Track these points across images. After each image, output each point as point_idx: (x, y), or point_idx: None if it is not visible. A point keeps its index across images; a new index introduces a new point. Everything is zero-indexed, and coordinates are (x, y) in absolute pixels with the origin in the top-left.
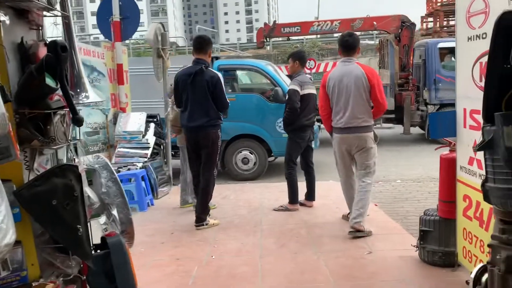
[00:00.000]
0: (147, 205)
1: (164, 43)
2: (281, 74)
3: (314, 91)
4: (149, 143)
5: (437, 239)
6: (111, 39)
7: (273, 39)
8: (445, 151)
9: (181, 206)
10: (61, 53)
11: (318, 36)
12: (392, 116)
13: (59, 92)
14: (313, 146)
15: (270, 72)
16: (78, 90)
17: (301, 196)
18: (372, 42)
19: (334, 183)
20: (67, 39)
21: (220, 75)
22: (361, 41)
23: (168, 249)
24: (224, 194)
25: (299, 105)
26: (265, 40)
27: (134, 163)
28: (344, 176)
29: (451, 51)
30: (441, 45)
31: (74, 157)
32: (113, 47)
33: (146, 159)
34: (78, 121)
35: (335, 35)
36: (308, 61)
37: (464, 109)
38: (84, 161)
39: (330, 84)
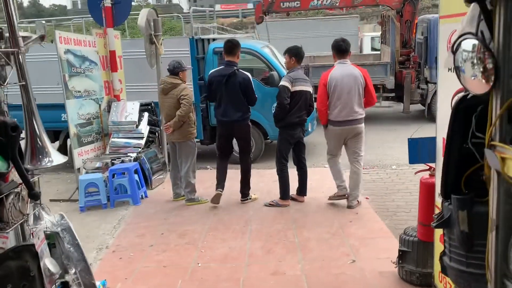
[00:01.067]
0: (141, 198)
1: (156, 29)
2: (279, 56)
3: (307, 88)
4: (142, 133)
5: (415, 260)
6: (102, 25)
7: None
8: (425, 174)
9: (174, 199)
10: (11, 133)
11: None
12: (392, 94)
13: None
14: (309, 129)
15: (266, 55)
16: (40, 157)
17: (293, 190)
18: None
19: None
20: (24, 103)
21: (249, 76)
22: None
23: (156, 253)
24: None
25: (288, 102)
26: (264, 15)
27: (128, 154)
28: (335, 157)
29: None
30: None
31: (33, 229)
32: (105, 33)
33: (140, 149)
34: (34, 196)
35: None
36: None
37: (443, 138)
38: (47, 223)
39: (331, 83)
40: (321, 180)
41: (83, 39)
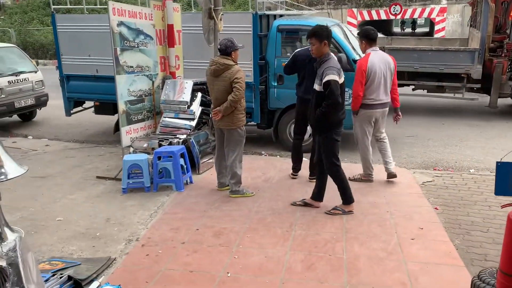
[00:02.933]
0: (186, 183)
1: (217, 3)
2: (350, 36)
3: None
4: (194, 114)
5: None
6: None
7: None
8: None
9: (219, 189)
10: None
11: None
12: (478, 85)
13: None
14: None
15: (335, 35)
16: None
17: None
18: None
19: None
20: None
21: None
22: None
23: (186, 253)
24: (268, 174)
25: (340, 99)
26: None
27: (177, 136)
28: (368, 141)
29: None
30: None
31: None
32: (163, 6)
33: (190, 131)
34: None
35: None
36: (394, 6)
37: None
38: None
39: (371, 68)
40: (382, 181)
41: (138, 11)
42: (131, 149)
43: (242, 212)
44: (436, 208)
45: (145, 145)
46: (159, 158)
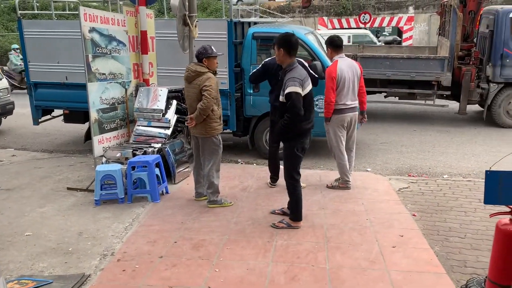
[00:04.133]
0: (162, 194)
1: (191, 10)
2: (324, 44)
3: (311, 86)
4: (169, 122)
5: None
6: (135, 3)
7: None
8: (505, 219)
9: (196, 199)
10: None
11: None
12: (448, 92)
13: None
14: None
15: (309, 43)
16: None
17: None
18: None
19: (367, 174)
20: None
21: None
22: None
23: (165, 267)
24: (246, 183)
25: (303, 111)
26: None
27: (152, 144)
28: (343, 147)
29: None
30: None
31: None
32: (137, 12)
33: (165, 140)
34: None
35: None
36: (363, 14)
37: None
38: None
39: (341, 75)
40: (360, 187)
41: (111, 17)
42: (104, 159)
43: (221, 223)
44: (414, 215)
45: (118, 154)
46: (133, 168)
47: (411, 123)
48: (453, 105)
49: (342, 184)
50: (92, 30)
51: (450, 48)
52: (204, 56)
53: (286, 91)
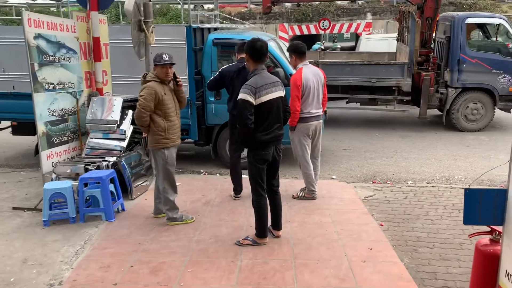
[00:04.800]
0: (118, 211)
1: (147, 15)
2: (285, 50)
3: (278, 94)
4: (124, 134)
5: None
6: (86, 7)
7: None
8: (485, 239)
9: (155, 216)
10: None
11: None
12: (408, 98)
13: None
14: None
15: (271, 50)
16: None
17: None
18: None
19: (332, 182)
20: None
21: None
22: None
23: None
24: (208, 196)
25: (251, 120)
26: (272, 5)
27: (106, 158)
28: (308, 156)
29: (480, 27)
30: (469, 20)
31: None
32: (88, 17)
33: (120, 153)
34: None
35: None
36: (323, 21)
37: None
38: None
39: (306, 83)
40: (326, 197)
41: (59, 22)
42: (54, 175)
43: (182, 243)
44: (381, 225)
45: (69, 170)
46: (85, 184)
47: (373, 128)
48: (414, 110)
49: (308, 194)
50: (38, 36)
51: (410, 54)
52: (154, 63)
53: (237, 99)
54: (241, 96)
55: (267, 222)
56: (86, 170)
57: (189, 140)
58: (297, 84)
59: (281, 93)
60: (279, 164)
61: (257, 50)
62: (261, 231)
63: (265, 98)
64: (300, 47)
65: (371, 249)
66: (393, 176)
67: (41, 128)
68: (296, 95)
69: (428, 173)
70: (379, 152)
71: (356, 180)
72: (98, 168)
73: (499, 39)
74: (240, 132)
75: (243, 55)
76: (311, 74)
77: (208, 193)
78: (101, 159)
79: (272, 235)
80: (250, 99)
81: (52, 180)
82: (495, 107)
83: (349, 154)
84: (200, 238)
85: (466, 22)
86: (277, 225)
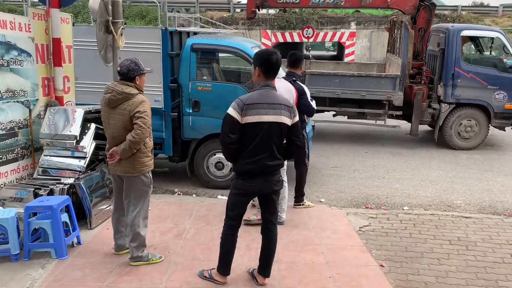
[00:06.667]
0: (73, 244)
1: (115, 15)
2: None
3: (274, 118)
4: (85, 151)
5: None
6: (45, 3)
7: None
8: None
9: (116, 253)
10: None
11: None
12: (399, 112)
13: None
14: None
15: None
16: None
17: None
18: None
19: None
20: None
21: (303, 88)
22: None
23: None
24: (181, 225)
25: (232, 140)
26: (257, 10)
27: (61, 180)
28: None
29: (473, 41)
30: (465, 32)
31: None
32: (47, 15)
33: (79, 173)
34: None
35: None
36: (306, 29)
37: None
38: None
39: None
40: (318, 227)
41: (10, 19)
42: None
43: None
44: (382, 265)
45: (17, 194)
46: (34, 213)
47: (362, 144)
48: (404, 125)
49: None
50: None
51: (402, 66)
52: (137, 73)
53: None
54: (228, 109)
55: (230, 260)
56: (36, 195)
57: (163, 155)
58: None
59: (281, 118)
60: (276, 198)
61: (272, 65)
62: (220, 267)
63: (253, 119)
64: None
65: None
66: (387, 200)
67: None
68: None
69: (424, 197)
70: (369, 171)
71: (347, 204)
72: (51, 192)
73: (493, 53)
74: (223, 152)
75: (297, 71)
76: (283, 89)
77: (181, 221)
78: (55, 181)
79: (255, 281)
80: (235, 115)
81: None
82: (490, 125)
83: (337, 173)
84: (168, 286)
85: (462, 34)
86: (265, 270)
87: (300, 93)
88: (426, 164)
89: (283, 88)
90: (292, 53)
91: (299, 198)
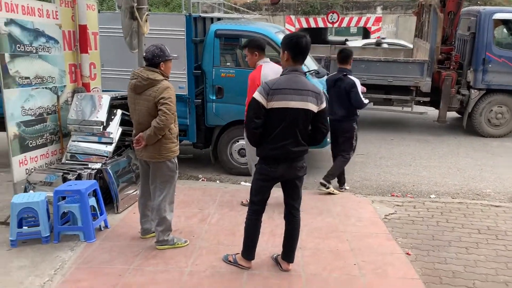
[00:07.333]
0: (101, 228)
1: (140, 1)
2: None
3: (301, 105)
4: (111, 137)
5: None
6: None
7: None
8: None
9: (142, 237)
10: None
11: None
12: (427, 99)
13: None
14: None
15: (280, 42)
16: None
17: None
18: None
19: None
20: None
21: (355, 81)
22: None
23: None
24: (206, 210)
25: (257, 125)
26: None
27: (89, 165)
28: None
29: (506, 24)
30: (497, 15)
31: None
32: (74, 3)
33: (106, 158)
34: None
35: None
36: (331, 14)
37: None
38: None
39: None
40: (343, 214)
41: (38, 7)
42: (27, 185)
43: (171, 275)
44: (408, 254)
45: (47, 178)
46: (63, 197)
47: (388, 131)
48: (431, 112)
49: None
50: (10, 22)
51: (430, 51)
52: (162, 59)
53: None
54: (254, 94)
55: (254, 245)
56: (65, 179)
57: (187, 141)
58: (256, 83)
59: (307, 105)
60: (300, 183)
61: (301, 48)
62: (244, 251)
63: (279, 104)
64: (263, 43)
65: None
66: (414, 188)
67: (12, 129)
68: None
69: (452, 186)
70: (395, 158)
71: (373, 192)
72: (79, 177)
73: None
74: (246, 135)
75: (347, 66)
76: (271, 73)
77: (205, 206)
78: (82, 166)
79: (279, 267)
80: (261, 100)
81: (25, 190)
82: None
83: (363, 160)
84: (193, 270)
85: (494, 17)
86: (288, 256)
87: (351, 86)
88: (454, 151)
89: (271, 71)
90: (341, 50)
91: (327, 177)
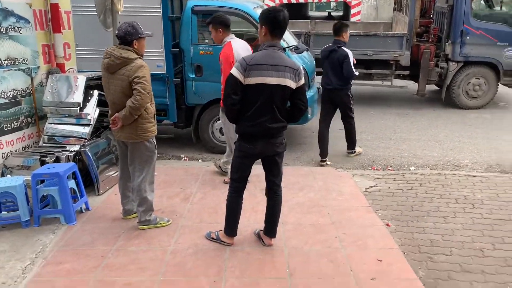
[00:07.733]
0: (82, 210)
1: None
2: None
3: (278, 81)
4: (89, 118)
5: None
6: None
7: None
8: None
9: (124, 217)
10: None
11: None
12: (406, 72)
13: None
14: (309, 115)
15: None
16: None
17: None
18: None
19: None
20: None
21: (347, 52)
22: None
23: None
24: (188, 189)
25: (234, 101)
26: None
27: (67, 147)
28: None
29: None
30: None
31: None
32: None
33: (85, 140)
34: None
35: None
36: None
37: None
38: None
39: (239, 59)
40: (324, 189)
41: None
42: (4, 169)
43: (155, 254)
44: (388, 225)
45: (24, 161)
46: (41, 181)
47: (368, 105)
48: (411, 85)
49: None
50: None
51: (409, 24)
52: (135, 37)
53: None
54: (231, 69)
55: (236, 222)
56: (42, 163)
57: (168, 121)
58: (230, 60)
59: (285, 81)
60: (280, 160)
61: (279, 23)
62: (226, 228)
63: (256, 80)
64: (228, 20)
65: (380, 260)
66: (394, 161)
67: None
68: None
69: (431, 157)
70: (376, 133)
71: (354, 166)
72: (57, 160)
73: (504, 8)
74: (225, 111)
75: (341, 38)
76: (242, 49)
77: (188, 185)
78: (60, 149)
79: (262, 242)
80: (238, 75)
81: (3, 174)
82: (499, 83)
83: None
84: (176, 248)
85: None
86: (270, 231)
87: (343, 58)
88: (433, 124)
89: (240, 47)
90: (334, 23)
91: (350, 146)
